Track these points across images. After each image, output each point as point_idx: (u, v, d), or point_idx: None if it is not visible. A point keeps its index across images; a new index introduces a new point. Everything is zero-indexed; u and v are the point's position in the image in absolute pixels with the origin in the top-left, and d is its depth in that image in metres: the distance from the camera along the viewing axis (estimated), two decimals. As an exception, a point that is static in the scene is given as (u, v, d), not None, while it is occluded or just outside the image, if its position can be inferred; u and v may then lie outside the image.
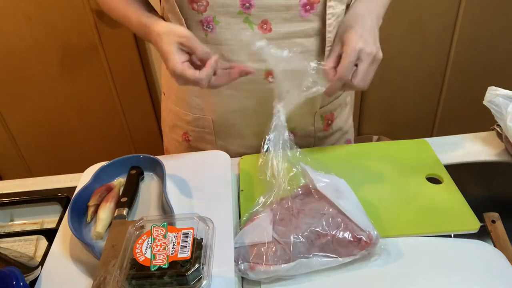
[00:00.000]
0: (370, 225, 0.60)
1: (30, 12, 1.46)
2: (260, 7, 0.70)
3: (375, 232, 0.60)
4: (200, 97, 0.83)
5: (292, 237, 0.59)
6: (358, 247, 0.58)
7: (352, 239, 0.58)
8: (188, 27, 0.73)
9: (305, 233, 0.59)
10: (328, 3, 0.71)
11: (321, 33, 0.74)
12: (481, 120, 0.98)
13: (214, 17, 0.71)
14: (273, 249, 0.58)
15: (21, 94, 1.64)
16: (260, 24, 0.72)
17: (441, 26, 1.64)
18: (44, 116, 1.70)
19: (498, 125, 0.83)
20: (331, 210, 0.61)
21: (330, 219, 0.60)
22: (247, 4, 0.69)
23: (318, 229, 0.59)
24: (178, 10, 0.71)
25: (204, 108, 0.84)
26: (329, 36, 0.74)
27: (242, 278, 0.61)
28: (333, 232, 0.59)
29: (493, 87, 0.79)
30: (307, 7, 0.71)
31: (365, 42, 0.66)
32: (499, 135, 0.83)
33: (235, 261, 0.59)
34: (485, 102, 0.79)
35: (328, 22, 0.73)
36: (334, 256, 0.58)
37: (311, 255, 0.58)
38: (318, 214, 0.61)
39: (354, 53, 0.65)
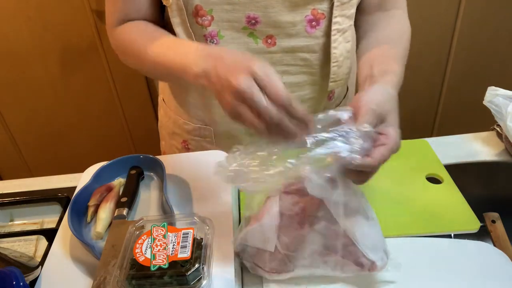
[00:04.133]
0: (378, 253, 0.57)
1: (30, 12, 1.46)
2: (266, 23, 0.69)
3: (383, 260, 0.56)
4: (202, 108, 0.81)
5: (295, 253, 0.57)
6: (361, 271, 0.57)
7: (356, 265, 0.57)
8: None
9: (309, 252, 0.57)
10: (334, 19, 0.70)
11: (326, 49, 0.73)
12: (481, 120, 0.98)
13: (218, 31, 0.70)
14: (275, 259, 0.58)
15: (21, 94, 1.64)
16: (265, 38, 0.71)
17: (441, 26, 1.64)
18: (44, 116, 1.70)
19: (498, 125, 0.82)
20: (340, 227, 0.57)
21: (337, 238, 0.57)
22: (253, 21, 0.69)
23: (322, 249, 0.57)
24: (189, 25, 0.69)
25: (205, 119, 0.82)
26: (335, 52, 0.72)
27: (242, 278, 0.61)
28: (337, 254, 0.57)
29: (493, 87, 0.79)
30: (313, 23, 0.70)
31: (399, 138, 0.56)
32: (499, 135, 0.83)
33: (239, 254, 0.59)
34: (485, 102, 0.79)
35: (333, 38, 0.71)
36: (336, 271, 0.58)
37: (312, 268, 0.57)
38: (327, 230, 0.57)
39: (395, 150, 0.54)
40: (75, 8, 1.46)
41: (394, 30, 0.74)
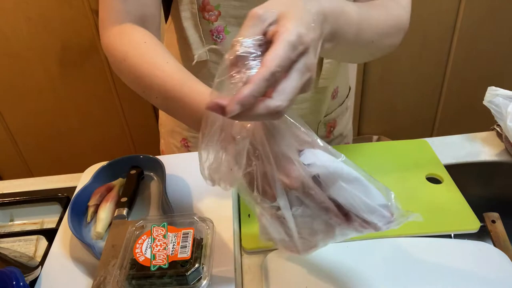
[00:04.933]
0: (376, 213, 0.50)
1: (30, 12, 1.46)
2: None
3: (386, 218, 0.50)
4: None
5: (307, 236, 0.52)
6: (367, 231, 0.51)
7: (360, 227, 0.51)
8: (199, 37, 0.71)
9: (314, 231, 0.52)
10: None
11: None
12: (481, 120, 0.98)
13: (225, 27, 0.70)
14: (295, 243, 0.52)
15: (21, 94, 1.64)
16: None
17: (441, 26, 1.64)
18: (44, 116, 1.70)
19: (498, 125, 0.83)
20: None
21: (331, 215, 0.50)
22: None
23: (323, 227, 0.51)
24: (199, 20, 0.68)
25: None
26: None
27: (242, 278, 0.61)
28: (340, 226, 0.51)
29: (493, 87, 0.79)
30: None
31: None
32: (499, 135, 0.83)
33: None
34: (485, 102, 0.79)
35: None
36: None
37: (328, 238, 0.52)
38: (320, 210, 0.50)
39: (294, 40, 0.39)
40: (75, 8, 1.46)
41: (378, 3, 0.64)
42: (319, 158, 0.48)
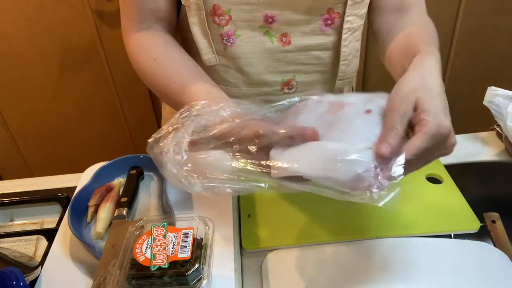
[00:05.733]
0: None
1: (30, 12, 1.46)
2: (282, 22, 0.69)
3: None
4: None
5: None
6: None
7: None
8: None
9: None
10: (346, 18, 0.70)
11: (337, 46, 0.74)
12: (481, 120, 0.98)
13: (235, 31, 0.70)
14: None
15: (21, 94, 1.63)
16: (280, 37, 0.71)
17: (441, 26, 1.64)
18: (44, 116, 1.70)
19: (498, 125, 0.83)
20: None
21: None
22: (270, 20, 0.69)
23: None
24: (207, 25, 0.69)
25: None
26: (344, 50, 0.73)
27: (242, 278, 0.61)
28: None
29: (493, 87, 0.79)
30: (328, 21, 0.71)
31: (449, 127, 0.50)
32: (499, 135, 0.83)
33: None
34: (485, 102, 0.79)
35: (344, 36, 0.72)
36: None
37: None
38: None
39: (436, 136, 0.49)
40: (75, 8, 1.46)
41: (419, 23, 0.70)
42: (282, 161, 0.47)
